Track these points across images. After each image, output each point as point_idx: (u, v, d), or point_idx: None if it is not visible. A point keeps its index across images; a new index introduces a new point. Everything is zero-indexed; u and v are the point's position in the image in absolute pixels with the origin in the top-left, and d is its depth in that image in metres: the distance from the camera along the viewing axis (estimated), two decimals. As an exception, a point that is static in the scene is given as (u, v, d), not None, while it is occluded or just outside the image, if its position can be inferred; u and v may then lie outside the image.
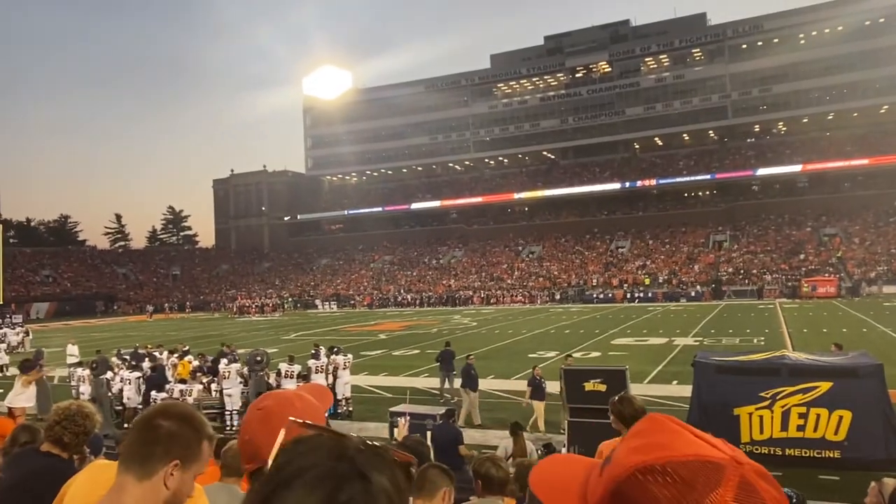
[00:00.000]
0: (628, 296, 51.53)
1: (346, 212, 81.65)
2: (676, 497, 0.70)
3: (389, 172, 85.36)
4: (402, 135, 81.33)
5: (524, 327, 33.18)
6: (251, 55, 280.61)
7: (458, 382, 15.92)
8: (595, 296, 52.68)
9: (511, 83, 78.63)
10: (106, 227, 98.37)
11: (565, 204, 70.89)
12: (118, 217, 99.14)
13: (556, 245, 66.75)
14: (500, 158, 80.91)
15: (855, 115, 63.84)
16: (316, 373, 14.87)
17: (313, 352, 15.99)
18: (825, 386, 9.67)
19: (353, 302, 62.34)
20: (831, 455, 9.46)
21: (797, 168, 61.15)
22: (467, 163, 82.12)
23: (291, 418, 0.83)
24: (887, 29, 59.96)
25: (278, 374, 14.49)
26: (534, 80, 77.46)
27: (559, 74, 75.77)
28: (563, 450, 9.72)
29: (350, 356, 16.70)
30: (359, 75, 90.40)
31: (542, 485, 0.84)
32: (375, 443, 0.77)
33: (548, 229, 69.33)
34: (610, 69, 73.36)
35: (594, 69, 74.41)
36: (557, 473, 0.85)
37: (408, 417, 7.74)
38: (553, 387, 15.96)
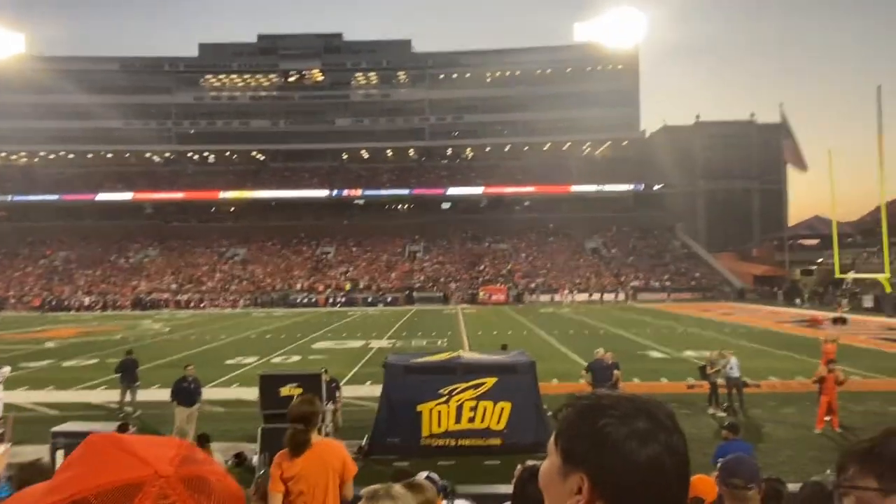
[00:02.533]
0: (331, 300, 52.79)
1: (9, 197, 68.66)
2: None
3: (71, 156, 74.33)
4: (90, 115, 71.63)
5: (223, 333, 31.81)
6: None
7: (140, 395, 14.71)
8: (299, 300, 52.95)
9: (221, 77, 75.02)
10: None
11: (274, 207, 69.83)
12: None
13: (262, 248, 65.29)
14: (206, 154, 76.41)
15: (526, 148, 74.85)
16: (-44, 390, 12.34)
17: (-47, 365, 13.22)
18: (491, 381, 11.08)
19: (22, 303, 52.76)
20: (495, 443, 10.76)
21: (480, 190, 69.45)
22: (168, 154, 75.75)
23: None
24: (552, 79, 71.78)
25: None
26: (245, 77, 75.10)
27: (272, 75, 74.71)
28: (255, 458, 9.65)
29: (7, 369, 14.21)
30: (36, 40, 77.12)
31: None
32: None
33: (254, 232, 67.44)
34: (322, 78, 74.71)
35: (307, 76, 75.04)
36: None
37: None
38: (216, 394, 15.77)
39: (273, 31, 77.74)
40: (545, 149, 74.87)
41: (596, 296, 52.62)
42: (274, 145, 74.62)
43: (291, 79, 75.01)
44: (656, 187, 68.05)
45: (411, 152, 76.56)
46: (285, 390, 9.56)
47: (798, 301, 46.47)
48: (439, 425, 10.89)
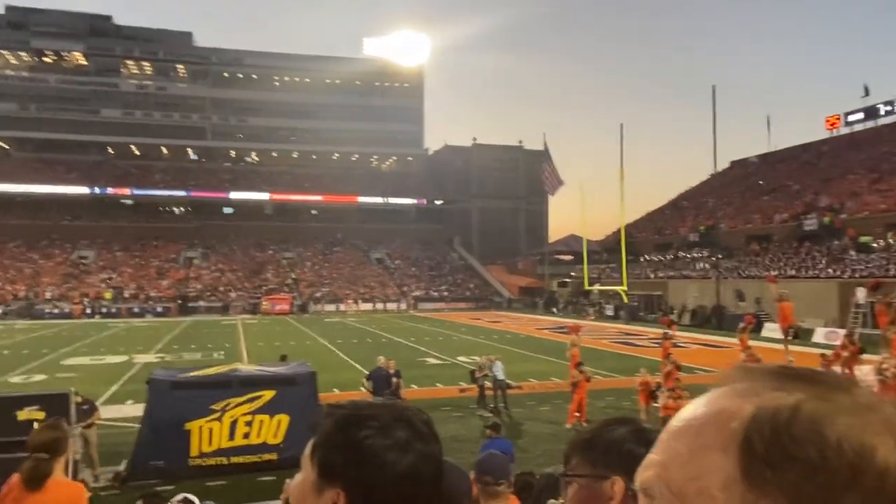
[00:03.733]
0: (88, 311, 47.35)
1: None
2: None
3: None
4: None
5: (-57, 350, 26.83)
6: None
7: None
8: (48, 311, 46.66)
9: (-48, 47, 63.72)
10: None
11: (17, 204, 60.79)
12: None
13: (1, 250, 56.31)
14: (-73, 137, 64.23)
15: (314, 157, 74.25)
16: None
17: None
18: (269, 394, 10.75)
19: None
20: (270, 458, 10.40)
21: (265, 196, 67.30)
22: None
23: None
24: (341, 90, 72.21)
25: None
26: (-14, 51, 64.63)
27: (22, 53, 65.24)
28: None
29: None
30: None
31: None
32: None
33: (-10, 231, 57.93)
34: (86, 63, 67.02)
35: (67, 58, 66.73)
36: None
37: None
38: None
39: (25, 4, 67.14)
40: (333, 158, 74.91)
41: (380, 305, 53.67)
42: (21, 132, 65.12)
43: (47, 59, 66.11)
44: (437, 202, 71.55)
45: (190, 152, 71.72)
46: (23, 414, 8.39)
47: (555, 310, 51.95)
48: (210, 443, 10.30)
